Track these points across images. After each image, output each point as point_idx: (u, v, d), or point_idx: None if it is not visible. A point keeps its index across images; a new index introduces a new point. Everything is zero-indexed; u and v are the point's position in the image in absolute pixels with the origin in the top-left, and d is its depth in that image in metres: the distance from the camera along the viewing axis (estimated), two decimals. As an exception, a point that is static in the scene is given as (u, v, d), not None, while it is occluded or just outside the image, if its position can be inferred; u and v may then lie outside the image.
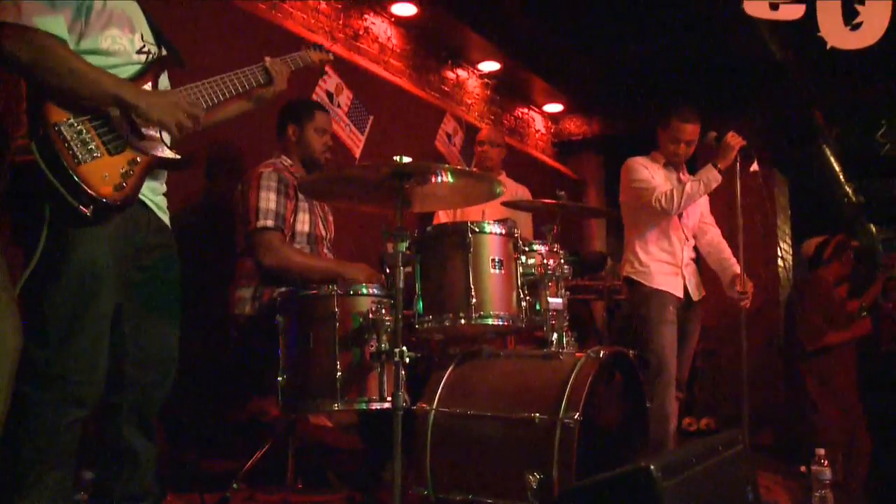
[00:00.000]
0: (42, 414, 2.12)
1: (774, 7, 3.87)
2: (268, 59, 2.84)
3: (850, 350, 5.36)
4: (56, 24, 2.17)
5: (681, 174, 4.17)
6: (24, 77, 2.20)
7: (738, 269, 4.07)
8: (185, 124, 2.36)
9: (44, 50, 2.13)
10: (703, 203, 4.24)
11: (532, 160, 7.30)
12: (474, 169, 5.05)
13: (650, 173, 4.05)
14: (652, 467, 2.08)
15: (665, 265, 4.05)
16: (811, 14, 3.93)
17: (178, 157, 2.41)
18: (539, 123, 7.68)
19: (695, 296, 4.09)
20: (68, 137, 2.14)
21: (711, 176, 3.91)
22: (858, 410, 5.26)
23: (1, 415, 1.67)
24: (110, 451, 2.40)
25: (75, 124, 2.17)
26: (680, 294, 4.03)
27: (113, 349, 2.33)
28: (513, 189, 4.86)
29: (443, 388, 2.71)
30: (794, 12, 3.91)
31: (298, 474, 3.41)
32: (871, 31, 3.91)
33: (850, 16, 3.92)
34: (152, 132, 2.36)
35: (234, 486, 3.22)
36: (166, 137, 2.41)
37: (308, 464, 3.49)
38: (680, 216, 4.09)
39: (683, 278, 4.06)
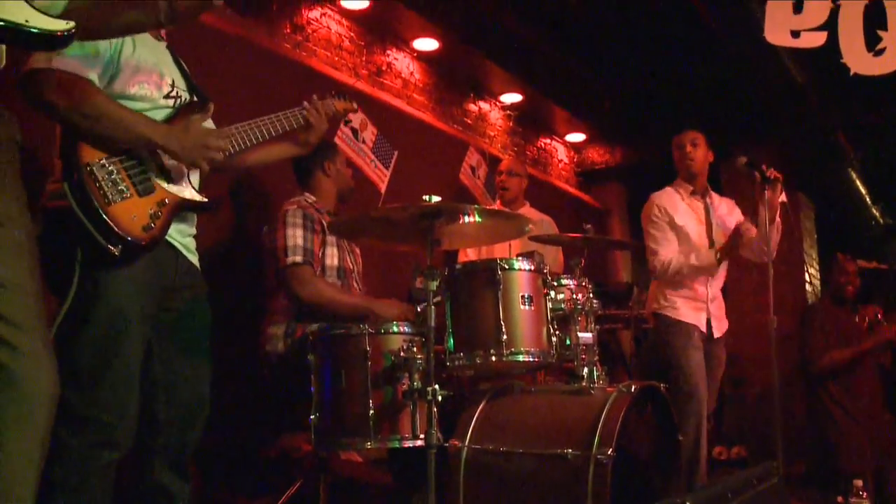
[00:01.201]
0: (75, 457, 2.14)
1: (796, 35, 3.88)
2: (305, 103, 2.90)
3: (869, 370, 5.29)
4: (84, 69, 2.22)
5: (707, 199, 4.19)
6: (59, 122, 2.24)
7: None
8: (215, 159, 2.40)
9: (78, 95, 2.18)
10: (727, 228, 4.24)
11: (555, 190, 7.31)
12: (498, 203, 5.07)
13: (668, 217, 4.09)
14: (688, 503, 2.08)
15: (690, 301, 4.07)
16: (833, 38, 3.94)
17: (206, 200, 2.45)
18: (562, 153, 7.71)
19: (716, 332, 4.09)
20: (100, 178, 2.18)
21: (709, 263, 3.98)
22: (887, 432, 5.18)
23: (41, 459, 1.69)
24: (145, 492, 2.41)
25: (106, 165, 2.21)
26: (704, 328, 4.05)
27: (145, 391, 2.36)
28: (537, 219, 4.88)
29: (474, 424, 2.71)
30: (816, 39, 3.92)
31: (330, 510, 3.41)
32: (893, 57, 3.90)
33: (872, 42, 3.92)
34: (181, 174, 2.41)
35: (267, 523, 3.24)
36: (195, 180, 2.45)
37: (339, 499, 3.49)
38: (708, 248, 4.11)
39: (707, 313, 4.07)
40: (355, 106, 3.18)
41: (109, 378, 2.20)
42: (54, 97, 2.16)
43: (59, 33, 1.64)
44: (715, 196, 4.26)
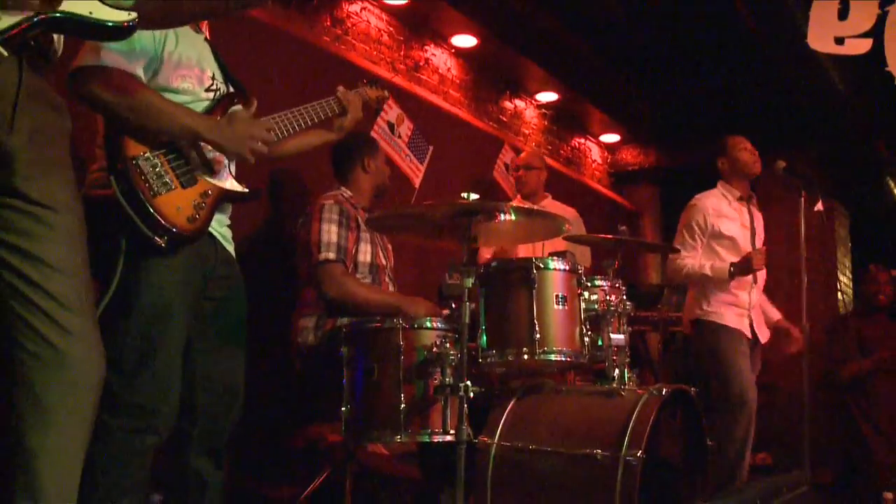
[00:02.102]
0: (116, 441, 2.18)
1: (840, 41, 3.83)
2: (340, 88, 2.91)
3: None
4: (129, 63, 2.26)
5: (751, 205, 4.17)
6: (105, 115, 2.28)
7: (777, 316, 4.12)
8: (259, 151, 2.41)
9: (125, 89, 2.22)
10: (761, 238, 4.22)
11: (588, 190, 7.30)
12: (518, 198, 5.06)
13: (710, 228, 4.08)
14: (719, 508, 2.08)
15: (732, 307, 4.04)
16: (877, 46, 3.89)
17: (246, 190, 2.48)
18: (595, 153, 7.68)
19: (762, 338, 4.07)
20: (145, 171, 2.21)
21: (720, 276, 3.96)
22: None
23: (85, 442, 1.72)
24: (180, 477, 2.45)
25: (151, 158, 2.24)
26: (749, 334, 4.02)
27: (184, 378, 2.39)
28: (559, 211, 4.85)
29: (504, 421, 2.72)
30: (861, 46, 3.87)
31: (355, 501, 3.44)
32: (940, 67, 3.85)
33: (919, 50, 3.87)
34: (221, 166, 2.43)
35: (294, 512, 3.27)
36: (234, 171, 2.48)
37: (365, 491, 3.52)
38: None
39: (750, 320, 4.05)
40: (387, 94, 3.18)
41: (152, 366, 2.24)
42: (103, 92, 2.20)
43: (124, 24, 1.67)
44: (756, 205, 4.24)
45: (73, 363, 1.65)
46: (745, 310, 4.05)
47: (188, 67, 2.40)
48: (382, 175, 3.74)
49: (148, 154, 2.24)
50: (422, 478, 3.53)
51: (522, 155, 5.39)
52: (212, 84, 2.47)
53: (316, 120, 2.74)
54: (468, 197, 2.43)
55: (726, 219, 4.09)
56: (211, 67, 2.51)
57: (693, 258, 4.03)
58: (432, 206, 2.50)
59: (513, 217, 2.61)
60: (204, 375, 2.45)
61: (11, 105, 1.62)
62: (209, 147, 2.36)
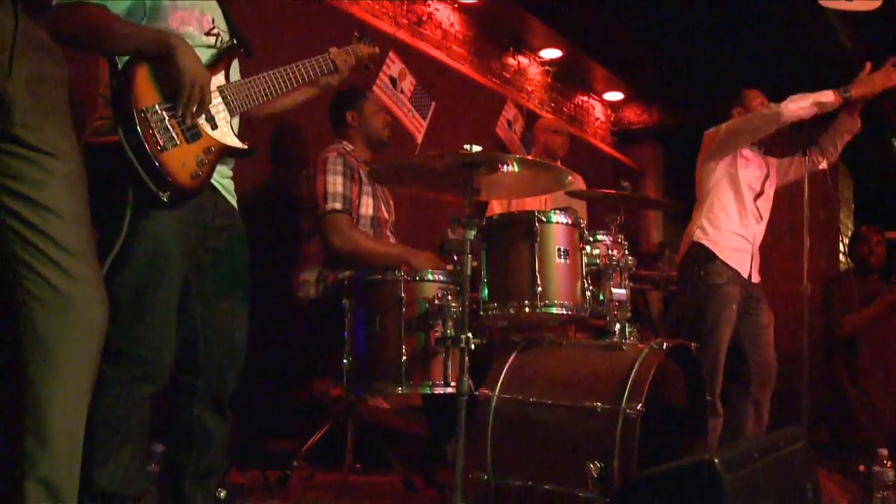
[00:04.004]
0: (113, 390, 2.18)
1: (849, -4, 3.77)
2: (333, 49, 2.89)
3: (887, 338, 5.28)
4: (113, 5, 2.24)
5: (762, 153, 4.15)
6: (79, 48, 2.24)
7: None
8: (194, 95, 2.29)
9: (88, 17, 2.19)
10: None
11: (591, 148, 7.27)
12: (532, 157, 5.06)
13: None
14: (716, 460, 2.09)
15: (739, 239, 3.98)
16: (886, 4, 3.83)
17: (246, 147, 2.48)
18: (599, 111, 7.63)
19: (755, 277, 4.03)
20: (153, 124, 2.20)
21: (824, 96, 3.70)
22: None
23: (90, 388, 1.73)
24: (184, 430, 2.46)
25: (159, 111, 2.22)
26: (746, 272, 3.97)
27: (185, 331, 2.40)
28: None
29: (505, 374, 2.72)
30: (871, 3, 3.81)
31: (357, 455, 3.47)
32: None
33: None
34: (224, 121, 2.42)
35: (295, 464, 3.30)
36: (235, 126, 2.47)
37: (366, 445, 3.55)
38: (756, 197, 4.05)
39: (752, 256, 4.00)
40: (377, 50, 3.16)
41: (147, 314, 2.24)
42: (66, 24, 2.17)
43: None
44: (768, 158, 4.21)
45: (76, 306, 1.65)
46: (751, 244, 4.00)
47: (187, 10, 2.39)
48: (371, 127, 3.70)
49: (156, 107, 2.22)
50: (423, 431, 3.57)
51: (552, 119, 5.38)
52: (212, 28, 2.45)
53: (306, 79, 2.72)
54: (471, 149, 2.41)
55: (745, 156, 4.04)
56: (212, 13, 2.48)
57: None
58: (435, 156, 2.48)
59: (515, 169, 2.60)
60: (205, 327, 2.45)
61: (9, 51, 1.60)
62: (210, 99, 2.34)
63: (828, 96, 3.71)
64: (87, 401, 1.73)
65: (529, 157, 2.64)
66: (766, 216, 4.10)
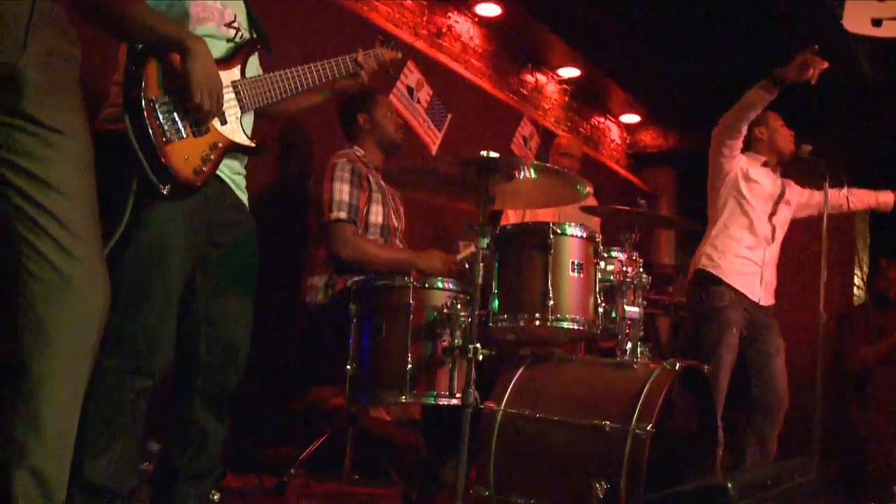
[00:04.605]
0: (108, 381, 2.13)
1: (877, 23, 3.73)
2: (361, 51, 2.85)
3: None
4: None
5: (777, 174, 4.10)
6: (98, 23, 2.17)
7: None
8: (206, 100, 2.24)
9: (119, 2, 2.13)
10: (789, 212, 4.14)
11: (606, 169, 7.23)
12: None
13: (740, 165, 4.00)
14: (729, 485, 2.03)
15: (746, 262, 3.92)
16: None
17: (255, 145, 2.44)
18: (615, 133, 7.59)
19: (763, 300, 3.96)
20: (160, 115, 2.17)
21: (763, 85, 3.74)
22: None
23: (87, 374, 1.69)
24: (180, 428, 2.41)
25: (168, 101, 2.19)
26: (755, 295, 3.90)
27: (187, 327, 2.35)
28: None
29: (512, 388, 2.66)
30: (899, 30, 3.78)
31: (355, 465, 3.41)
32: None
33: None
34: (234, 117, 2.38)
35: (292, 471, 3.24)
36: (247, 124, 2.42)
37: (365, 456, 3.49)
38: (770, 217, 3.99)
39: (760, 278, 3.94)
40: (400, 55, 3.12)
41: (144, 306, 2.20)
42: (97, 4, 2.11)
43: None
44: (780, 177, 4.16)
45: (76, 287, 1.62)
46: (759, 266, 3.94)
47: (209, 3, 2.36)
48: (384, 129, 3.62)
49: (166, 98, 2.19)
50: (423, 445, 3.50)
51: (569, 141, 5.32)
52: (233, 21, 2.42)
53: (325, 80, 2.69)
54: (488, 154, 2.36)
55: (756, 171, 3.99)
56: (234, 7, 2.45)
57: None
58: (452, 160, 2.44)
59: (532, 175, 2.54)
60: (208, 324, 2.40)
61: (24, 28, 1.60)
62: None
63: (765, 85, 3.77)
64: (83, 391, 1.69)
65: (547, 165, 2.57)
66: (780, 237, 4.04)
